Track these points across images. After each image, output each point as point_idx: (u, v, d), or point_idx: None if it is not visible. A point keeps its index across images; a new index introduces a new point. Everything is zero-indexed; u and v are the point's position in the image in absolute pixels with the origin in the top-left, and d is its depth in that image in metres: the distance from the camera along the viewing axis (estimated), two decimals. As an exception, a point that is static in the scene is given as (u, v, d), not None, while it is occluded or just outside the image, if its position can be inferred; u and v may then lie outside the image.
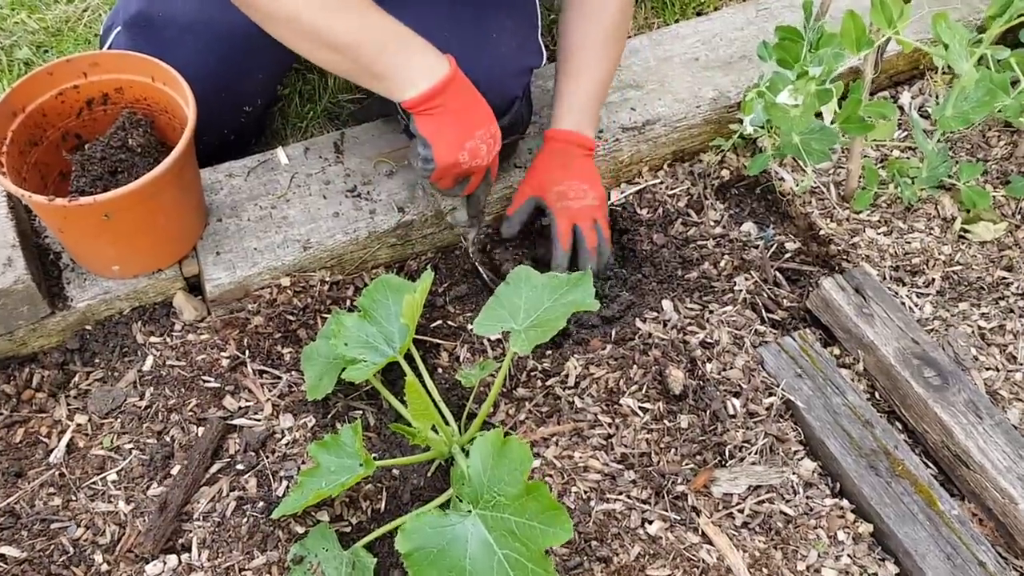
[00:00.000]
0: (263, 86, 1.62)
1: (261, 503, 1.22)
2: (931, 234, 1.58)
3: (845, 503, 1.27)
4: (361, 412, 1.34)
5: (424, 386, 1.21)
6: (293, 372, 1.36)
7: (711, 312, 1.46)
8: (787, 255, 1.58)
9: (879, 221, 1.59)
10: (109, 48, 1.48)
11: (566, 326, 1.27)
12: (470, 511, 1.05)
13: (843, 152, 1.69)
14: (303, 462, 1.26)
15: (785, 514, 1.25)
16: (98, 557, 1.17)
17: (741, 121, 1.59)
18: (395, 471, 1.27)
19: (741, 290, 1.50)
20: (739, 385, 1.36)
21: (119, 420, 1.30)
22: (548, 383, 1.37)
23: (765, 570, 1.19)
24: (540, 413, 1.34)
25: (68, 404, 1.33)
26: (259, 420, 1.31)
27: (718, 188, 1.68)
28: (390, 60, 1.23)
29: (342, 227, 1.47)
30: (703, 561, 1.19)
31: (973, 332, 1.45)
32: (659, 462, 1.28)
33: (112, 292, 1.38)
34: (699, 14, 2.05)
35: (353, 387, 1.35)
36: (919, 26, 1.74)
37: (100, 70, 1.38)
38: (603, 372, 1.37)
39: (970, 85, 1.37)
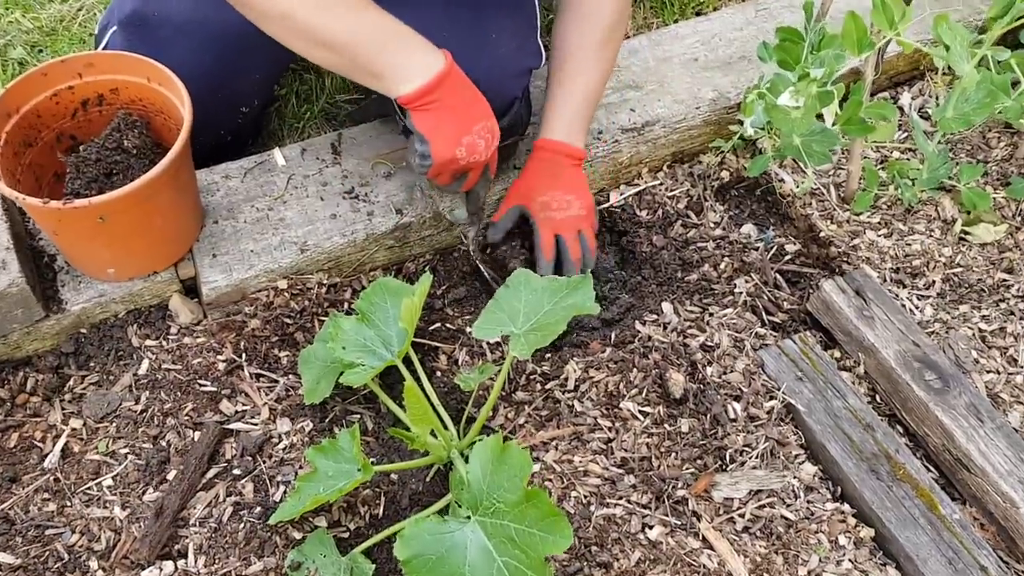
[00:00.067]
0: (259, 86, 1.61)
1: (258, 508, 1.21)
2: (931, 236, 1.57)
3: (846, 507, 1.27)
4: (359, 416, 1.33)
5: (423, 390, 1.21)
6: (290, 376, 1.35)
7: (711, 315, 1.45)
8: (787, 257, 1.57)
9: (879, 223, 1.59)
10: (104, 48, 1.47)
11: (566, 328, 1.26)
12: (469, 517, 1.04)
13: (843, 153, 1.68)
14: (301, 467, 1.25)
15: (786, 519, 1.24)
16: (93, 563, 1.16)
17: (741, 122, 1.58)
18: (393, 476, 1.26)
19: (741, 292, 1.49)
20: (740, 389, 1.35)
21: (114, 424, 1.29)
22: (547, 386, 1.36)
23: (766, 575, 1.18)
24: (539, 417, 1.33)
25: (63, 408, 1.31)
26: (256, 424, 1.30)
27: (718, 190, 1.67)
28: (385, 57, 1.22)
29: (340, 229, 1.46)
30: (704, 566, 1.18)
31: (974, 335, 1.45)
32: (659, 466, 1.27)
33: (107, 295, 1.36)
34: (698, 14, 2.04)
35: (351, 391, 1.34)
36: (919, 27, 1.74)
37: (95, 71, 1.37)
38: (603, 375, 1.36)
39: (971, 87, 1.36)
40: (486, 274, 1.50)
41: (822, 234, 1.56)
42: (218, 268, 1.40)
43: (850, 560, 1.21)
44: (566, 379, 1.36)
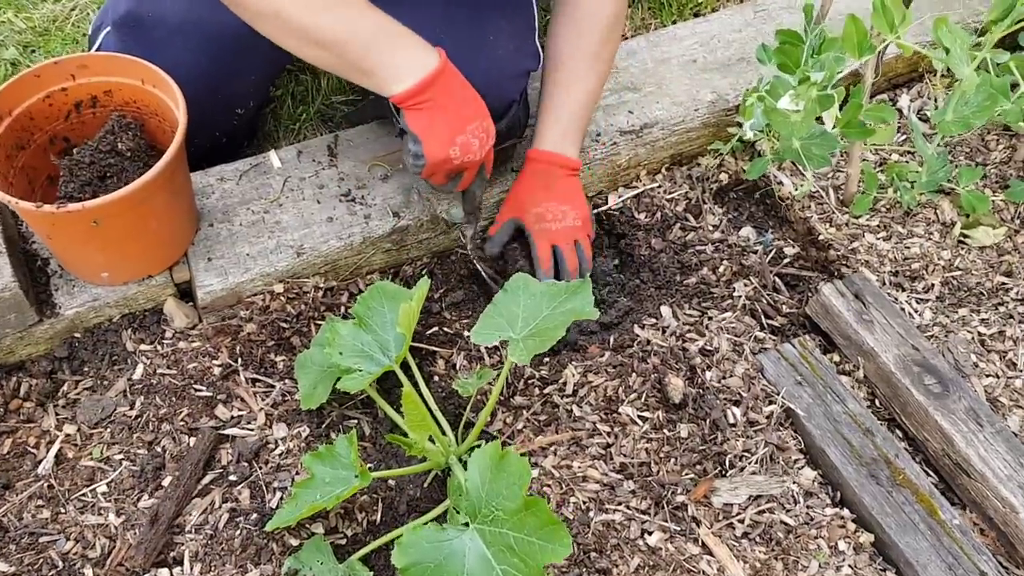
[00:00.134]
0: (255, 87, 1.60)
1: (254, 515, 1.20)
2: (930, 239, 1.57)
3: (846, 513, 1.26)
4: (356, 422, 1.32)
5: (420, 395, 1.20)
6: (287, 381, 1.34)
7: (710, 319, 1.45)
8: (786, 260, 1.57)
9: (878, 226, 1.58)
10: (98, 49, 1.46)
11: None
12: (467, 525, 1.03)
13: (842, 156, 1.67)
14: (297, 473, 1.24)
15: (786, 524, 1.24)
16: (88, 571, 1.15)
17: (740, 124, 1.58)
18: (391, 482, 1.25)
19: (740, 296, 1.48)
20: (739, 393, 1.35)
21: (109, 430, 1.28)
22: (546, 391, 1.35)
23: (766, 582, 1.18)
24: (538, 422, 1.32)
25: (57, 414, 1.30)
26: (252, 430, 1.29)
27: (716, 192, 1.66)
28: (377, 55, 1.21)
29: (336, 232, 1.45)
30: (703, 572, 1.18)
31: (973, 338, 1.44)
32: (659, 472, 1.26)
33: (101, 299, 1.35)
34: (696, 15, 2.04)
35: (348, 396, 1.33)
36: (918, 29, 1.73)
37: (89, 72, 1.35)
38: (602, 380, 1.35)
39: (970, 89, 1.36)
40: (484, 274, 1.49)
41: (821, 237, 1.56)
42: (213, 272, 1.38)
43: (850, 566, 1.21)
44: (565, 384, 1.35)
